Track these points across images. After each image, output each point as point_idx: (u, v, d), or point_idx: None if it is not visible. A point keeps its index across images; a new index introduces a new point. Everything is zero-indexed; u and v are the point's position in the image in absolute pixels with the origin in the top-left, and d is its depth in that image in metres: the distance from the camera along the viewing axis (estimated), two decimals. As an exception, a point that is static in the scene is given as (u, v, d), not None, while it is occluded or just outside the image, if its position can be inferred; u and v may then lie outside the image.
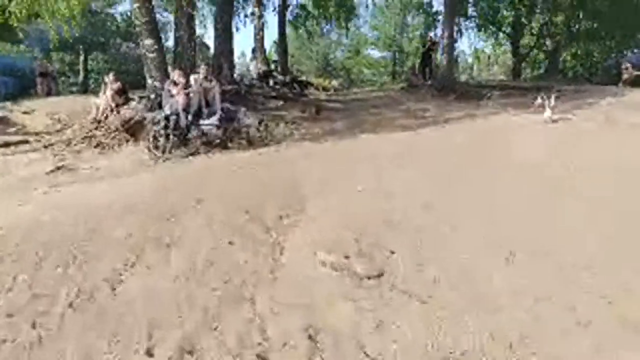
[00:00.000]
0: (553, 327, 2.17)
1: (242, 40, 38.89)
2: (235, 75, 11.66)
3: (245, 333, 2.18)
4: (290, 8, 16.46)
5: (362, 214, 3.63)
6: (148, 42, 8.41)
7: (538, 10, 17.88)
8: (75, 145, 7.59)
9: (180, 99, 6.85)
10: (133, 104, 8.94)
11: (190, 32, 9.86)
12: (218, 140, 6.85)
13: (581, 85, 13.51)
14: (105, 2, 18.69)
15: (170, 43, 15.76)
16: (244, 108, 8.01)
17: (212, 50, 13.54)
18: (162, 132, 6.67)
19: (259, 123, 7.47)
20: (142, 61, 9.18)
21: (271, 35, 22.46)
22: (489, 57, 26.19)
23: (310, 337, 2.12)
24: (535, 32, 18.70)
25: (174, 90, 6.95)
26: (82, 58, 18.76)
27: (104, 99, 9.05)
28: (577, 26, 17.07)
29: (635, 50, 16.11)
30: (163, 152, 6.51)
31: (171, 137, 6.65)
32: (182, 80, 7.12)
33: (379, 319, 2.24)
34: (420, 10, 21.45)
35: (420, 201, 3.84)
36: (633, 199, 3.67)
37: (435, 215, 3.55)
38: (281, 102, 10.81)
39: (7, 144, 7.72)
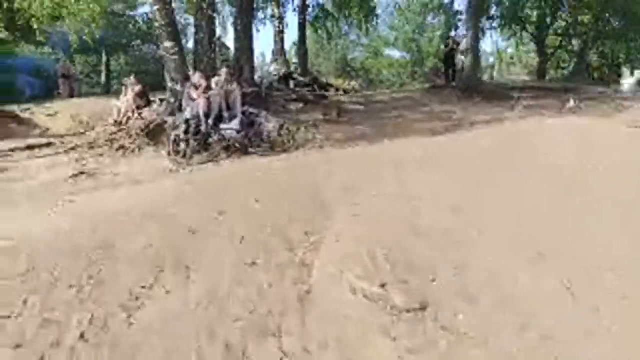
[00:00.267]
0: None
1: (261, 42, 38.95)
2: (255, 77, 11.50)
3: (272, 374, 1.95)
4: (310, 9, 16.23)
5: (392, 227, 3.36)
6: (168, 44, 8.30)
7: (563, 9, 17.23)
8: (97, 148, 7.53)
9: (200, 103, 6.71)
10: (154, 106, 8.88)
11: (210, 33, 9.73)
12: (239, 145, 6.67)
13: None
14: (127, 5, 18.84)
15: (190, 44, 15.75)
16: (264, 111, 7.82)
17: (232, 51, 13.44)
18: (183, 136, 6.53)
19: (280, 127, 7.25)
20: (162, 62, 9.09)
21: (290, 36, 22.32)
22: (511, 57, 25.52)
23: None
24: (560, 32, 18.05)
25: (195, 94, 6.81)
26: (104, 60, 18.95)
27: (124, 101, 9.03)
28: (604, 26, 16.38)
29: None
30: (183, 157, 6.37)
31: (191, 141, 6.50)
32: (202, 83, 6.98)
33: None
34: (441, 10, 20.93)
35: (453, 213, 3.55)
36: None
37: (474, 229, 3.25)
38: (301, 105, 10.59)
39: (30, 147, 7.73)
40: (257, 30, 15.56)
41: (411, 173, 4.98)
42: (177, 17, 10.86)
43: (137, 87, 9.12)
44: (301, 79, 13.83)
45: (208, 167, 6.06)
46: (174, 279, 2.75)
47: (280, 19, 14.74)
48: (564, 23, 17.80)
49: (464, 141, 6.98)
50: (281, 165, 5.88)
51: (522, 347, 2.06)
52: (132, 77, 8.94)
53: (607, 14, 15.99)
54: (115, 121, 8.78)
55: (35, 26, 7.87)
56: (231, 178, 5.29)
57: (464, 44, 13.42)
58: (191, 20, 13.69)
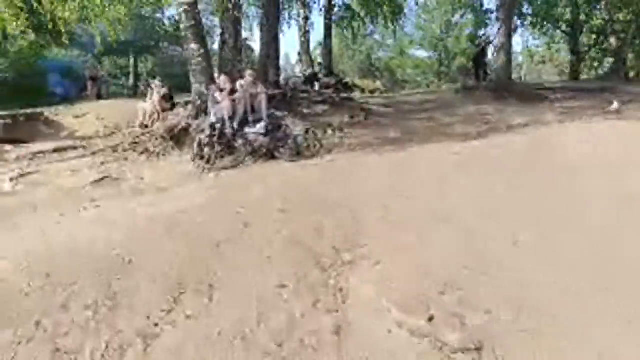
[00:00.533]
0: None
1: (285, 42, 38.94)
2: (280, 79, 11.30)
3: None
4: (336, 9, 15.94)
5: (436, 248, 3.03)
6: (194, 46, 8.17)
7: (599, 7, 16.34)
8: (122, 152, 7.47)
9: (225, 106, 6.51)
10: (179, 109, 8.79)
11: (236, 35, 9.59)
12: (264, 150, 6.44)
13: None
14: (154, 8, 19.04)
15: (216, 46, 15.75)
16: (291, 115, 7.58)
17: (256, 53, 13.31)
18: (207, 140, 6.35)
19: (307, 131, 6.98)
20: (188, 65, 9.00)
21: (313, 37, 22.09)
22: (542, 57, 24.53)
23: None
24: (595, 30, 17.15)
25: (220, 97, 6.62)
26: (131, 62, 19.22)
27: (150, 103, 8.99)
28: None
29: None
30: (208, 162, 6.19)
31: (216, 146, 6.32)
32: (228, 85, 6.79)
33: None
34: (469, 9, 20.25)
35: (505, 232, 3.18)
36: None
37: (529, 254, 2.88)
38: (327, 107, 10.31)
39: (57, 150, 7.75)
40: (282, 32, 15.42)
41: (451, 183, 4.62)
42: (203, 19, 10.77)
43: (163, 90, 9.07)
44: (326, 80, 13.56)
45: (233, 173, 5.86)
46: (196, 302, 2.50)
47: (306, 19, 14.52)
48: (599, 21, 16.90)
49: (505, 148, 6.49)
50: (309, 172, 5.61)
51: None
52: (157, 80, 8.87)
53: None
54: (141, 123, 8.75)
55: (62, 29, 7.89)
56: (257, 185, 5.05)
57: (495, 43, 12.86)
58: (217, 22, 13.66)
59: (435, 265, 2.73)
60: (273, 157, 6.41)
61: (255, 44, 15.59)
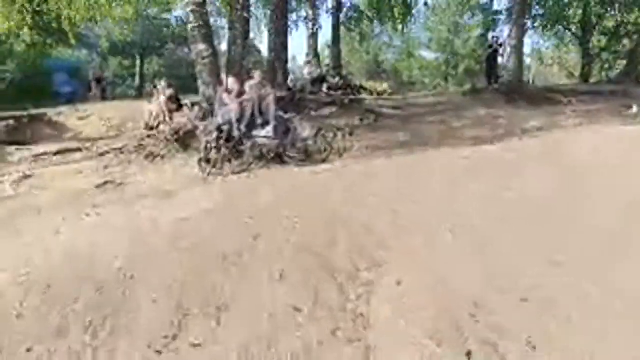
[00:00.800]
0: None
1: (292, 44, 38.76)
2: (288, 80, 11.10)
3: None
4: (345, 10, 15.73)
5: (465, 269, 2.78)
6: (201, 46, 7.98)
7: (611, 8, 16.01)
8: (126, 154, 7.29)
9: (233, 108, 6.31)
10: (185, 111, 8.61)
11: (244, 36, 9.39)
12: (273, 154, 6.23)
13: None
14: (161, 8, 18.92)
15: (223, 47, 15.58)
16: (299, 117, 7.35)
17: (264, 54, 13.13)
18: (214, 143, 6.14)
19: (316, 134, 6.76)
20: (195, 66, 8.83)
21: (321, 37, 21.85)
22: (552, 59, 24.18)
23: None
24: (607, 32, 16.81)
25: (227, 99, 6.42)
26: (138, 63, 19.11)
27: (156, 105, 8.81)
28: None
29: None
30: (214, 166, 5.98)
31: (223, 149, 6.11)
32: (235, 87, 6.59)
33: None
34: (478, 11, 19.96)
35: (532, 249, 2.94)
36: None
37: (562, 269, 2.64)
38: (336, 109, 10.09)
39: (61, 152, 7.59)
40: (290, 34, 15.23)
41: (468, 191, 4.38)
42: (211, 20, 10.60)
43: (169, 91, 8.89)
44: (335, 81, 13.35)
45: (241, 178, 5.66)
46: (203, 326, 2.29)
47: (315, 20, 14.32)
48: (611, 23, 16.56)
49: (521, 153, 6.23)
50: (320, 178, 5.39)
51: None
52: (163, 81, 8.69)
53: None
54: (147, 125, 8.58)
55: (68, 29, 7.74)
56: (266, 192, 4.83)
57: (506, 44, 12.61)
58: (224, 23, 13.49)
59: (465, 287, 2.49)
60: (282, 162, 6.20)
61: (263, 46, 15.39)
